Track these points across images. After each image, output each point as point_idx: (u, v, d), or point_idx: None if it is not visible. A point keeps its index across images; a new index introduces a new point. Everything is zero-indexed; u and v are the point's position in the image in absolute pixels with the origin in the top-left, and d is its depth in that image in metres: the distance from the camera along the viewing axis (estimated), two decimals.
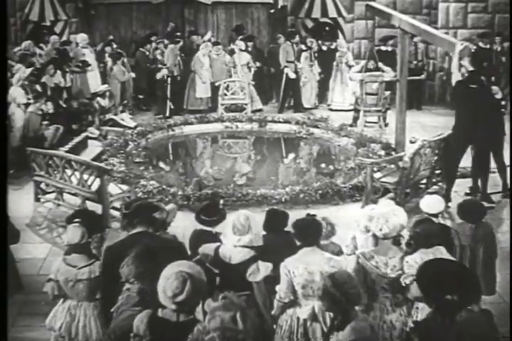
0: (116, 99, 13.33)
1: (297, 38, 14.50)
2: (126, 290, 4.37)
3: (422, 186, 9.64)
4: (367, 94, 12.97)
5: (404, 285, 4.93)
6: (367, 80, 12.86)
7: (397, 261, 4.99)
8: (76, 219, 5.32)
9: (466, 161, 10.39)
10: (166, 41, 14.25)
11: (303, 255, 4.93)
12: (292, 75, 14.15)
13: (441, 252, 5.07)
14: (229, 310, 3.47)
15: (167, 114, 13.69)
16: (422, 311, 4.99)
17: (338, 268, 4.79)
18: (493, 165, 10.21)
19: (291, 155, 12.44)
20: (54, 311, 5.26)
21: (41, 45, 13.44)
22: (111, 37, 14.82)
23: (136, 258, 4.30)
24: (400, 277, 4.98)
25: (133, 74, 13.81)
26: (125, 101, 13.67)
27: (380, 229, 5.00)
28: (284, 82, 14.23)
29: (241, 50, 14.26)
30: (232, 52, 14.36)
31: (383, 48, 14.60)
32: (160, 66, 13.85)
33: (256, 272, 4.97)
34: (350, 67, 14.31)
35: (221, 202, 6.87)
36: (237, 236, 5.06)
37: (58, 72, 12.27)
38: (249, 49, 14.54)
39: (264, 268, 5.00)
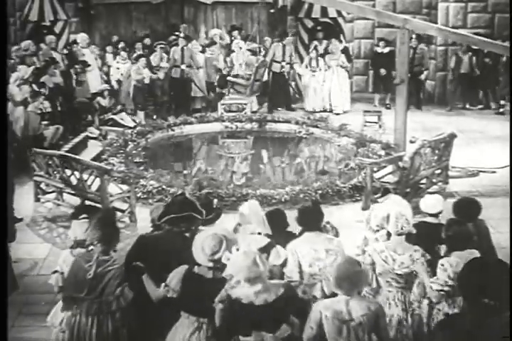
0: (124, 100, 13.33)
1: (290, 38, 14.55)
2: (90, 251, 4.88)
3: (422, 186, 9.63)
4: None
5: (434, 288, 4.92)
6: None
7: (406, 258, 5.02)
8: (82, 215, 5.34)
9: (466, 161, 10.41)
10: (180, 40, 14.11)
11: (306, 237, 5.14)
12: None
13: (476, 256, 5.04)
14: (248, 256, 4.12)
15: (170, 114, 13.74)
16: (443, 311, 5.00)
17: (341, 248, 5.09)
18: (493, 164, 10.21)
19: (291, 155, 12.43)
20: (55, 308, 5.24)
21: (41, 45, 13.42)
22: (115, 37, 14.84)
23: (97, 224, 4.84)
24: (406, 274, 4.99)
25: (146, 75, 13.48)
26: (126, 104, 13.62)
27: (402, 228, 5.05)
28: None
29: (240, 49, 14.25)
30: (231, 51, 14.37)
31: (379, 50, 14.59)
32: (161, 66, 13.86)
33: (278, 256, 5.13)
34: (344, 68, 14.36)
35: (215, 201, 6.84)
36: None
37: (57, 72, 12.25)
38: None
39: (283, 252, 5.16)
